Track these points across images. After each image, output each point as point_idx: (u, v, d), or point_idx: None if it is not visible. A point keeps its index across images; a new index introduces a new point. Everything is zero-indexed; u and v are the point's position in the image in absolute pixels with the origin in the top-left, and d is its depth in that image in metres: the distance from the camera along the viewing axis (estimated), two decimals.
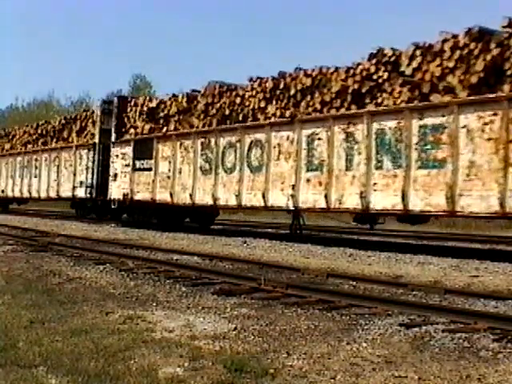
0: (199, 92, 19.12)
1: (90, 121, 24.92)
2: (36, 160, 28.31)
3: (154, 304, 7.13)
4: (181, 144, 19.04)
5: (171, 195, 19.13)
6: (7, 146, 32.18)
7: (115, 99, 23.28)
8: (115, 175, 22.05)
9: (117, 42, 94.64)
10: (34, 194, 28.40)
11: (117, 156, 22.05)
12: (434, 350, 5.21)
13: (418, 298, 7.73)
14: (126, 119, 22.18)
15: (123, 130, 22.17)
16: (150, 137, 20.57)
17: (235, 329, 5.87)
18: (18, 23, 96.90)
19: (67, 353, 4.88)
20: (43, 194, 27.51)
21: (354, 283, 8.88)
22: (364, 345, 5.33)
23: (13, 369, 4.43)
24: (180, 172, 18.99)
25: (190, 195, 18.32)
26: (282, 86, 16.12)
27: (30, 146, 29.77)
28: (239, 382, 4.27)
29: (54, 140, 27.65)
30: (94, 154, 23.75)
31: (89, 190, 23.84)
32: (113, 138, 22.49)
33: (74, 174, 24.88)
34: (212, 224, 21.81)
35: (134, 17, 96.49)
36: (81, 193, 24.41)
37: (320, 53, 62.45)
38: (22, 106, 62.33)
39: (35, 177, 28.14)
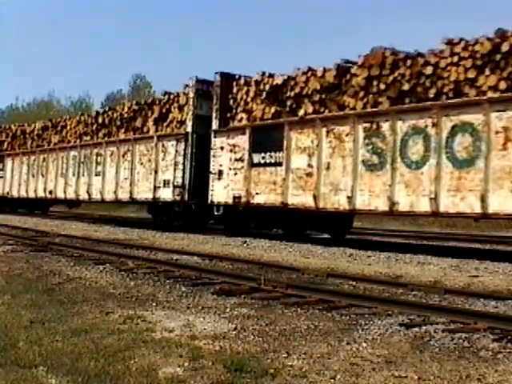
0: (354, 63, 14.76)
1: (175, 106, 20.07)
2: (98, 155, 23.22)
3: (154, 304, 7.14)
4: (328, 131, 14.80)
5: (315, 198, 14.83)
6: (55, 139, 27.02)
7: (217, 77, 18.25)
8: (220, 173, 17.66)
9: (117, 42, 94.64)
10: (96, 196, 23.30)
11: (222, 148, 17.75)
12: (434, 349, 5.21)
13: (418, 298, 7.73)
14: (231, 102, 17.84)
15: (228, 115, 17.90)
16: (277, 122, 16.12)
17: (235, 329, 5.88)
18: (18, 23, 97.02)
19: (67, 353, 4.88)
20: (109, 196, 22.52)
21: (354, 283, 8.89)
22: (364, 345, 5.34)
23: (13, 369, 4.44)
24: (328, 167, 14.71)
25: (349, 198, 14.09)
26: (505, 48, 12.05)
27: (86, 138, 24.67)
28: (239, 382, 4.27)
29: (122, 130, 22.56)
30: (186, 146, 18.91)
31: (178, 190, 19.01)
32: (214, 126, 18.10)
33: (156, 172, 20.00)
34: (347, 233, 17.73)
35: (134, 17, 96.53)
36: (166, 194, 19.57)
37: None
38: (22, 106, 62.32)
39: (97, 175, 23.15)
